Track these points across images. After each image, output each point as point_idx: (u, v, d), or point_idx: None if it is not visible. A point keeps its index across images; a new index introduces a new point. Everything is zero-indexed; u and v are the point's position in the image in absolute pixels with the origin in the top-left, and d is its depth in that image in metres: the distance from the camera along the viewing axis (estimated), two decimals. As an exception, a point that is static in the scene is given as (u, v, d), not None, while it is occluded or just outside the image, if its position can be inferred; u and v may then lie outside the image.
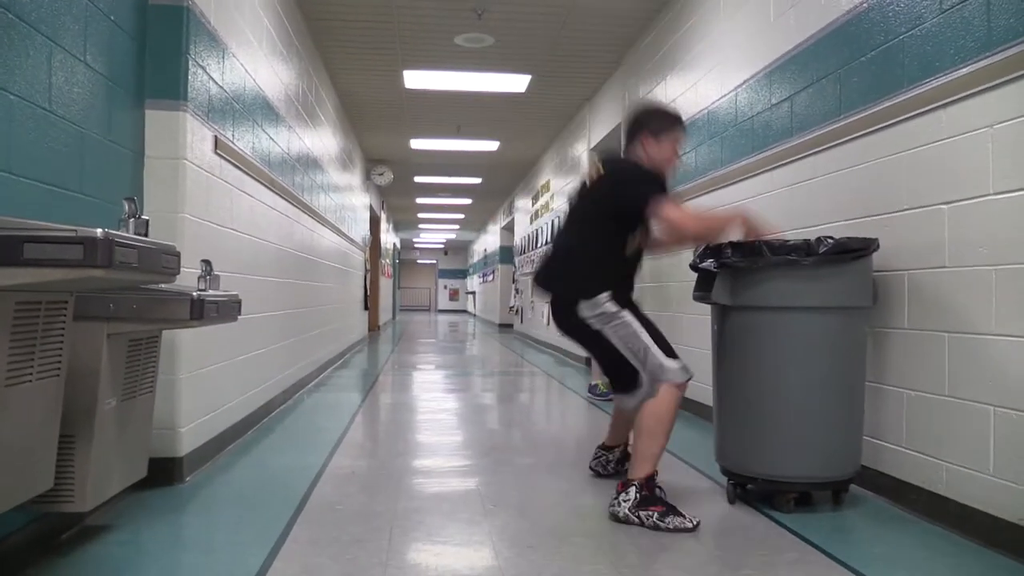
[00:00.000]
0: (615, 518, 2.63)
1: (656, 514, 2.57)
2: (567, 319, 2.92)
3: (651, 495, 2.63)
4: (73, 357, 2.04)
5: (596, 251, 2.89)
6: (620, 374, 2.90)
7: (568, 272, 2.95)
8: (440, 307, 36.53)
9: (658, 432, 2.71)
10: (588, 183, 3.02)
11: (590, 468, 3.31)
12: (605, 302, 2.79)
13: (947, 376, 2.61)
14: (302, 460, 3.54)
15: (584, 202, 3.02)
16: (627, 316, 2.80)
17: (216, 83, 3.49)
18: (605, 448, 3.30)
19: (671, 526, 2.54)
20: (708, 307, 2.97)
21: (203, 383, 3.36)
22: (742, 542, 2.47)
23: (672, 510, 2.59)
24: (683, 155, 5.08)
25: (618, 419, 3.27)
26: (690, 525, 2.54)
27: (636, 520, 2.58)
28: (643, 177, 2.88)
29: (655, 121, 3.03)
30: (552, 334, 10.30)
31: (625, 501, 2.62)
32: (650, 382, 2.76)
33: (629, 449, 3.21)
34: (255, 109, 4.28)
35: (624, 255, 2.92)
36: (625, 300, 2.86)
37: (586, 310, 2.81)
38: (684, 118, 4.85)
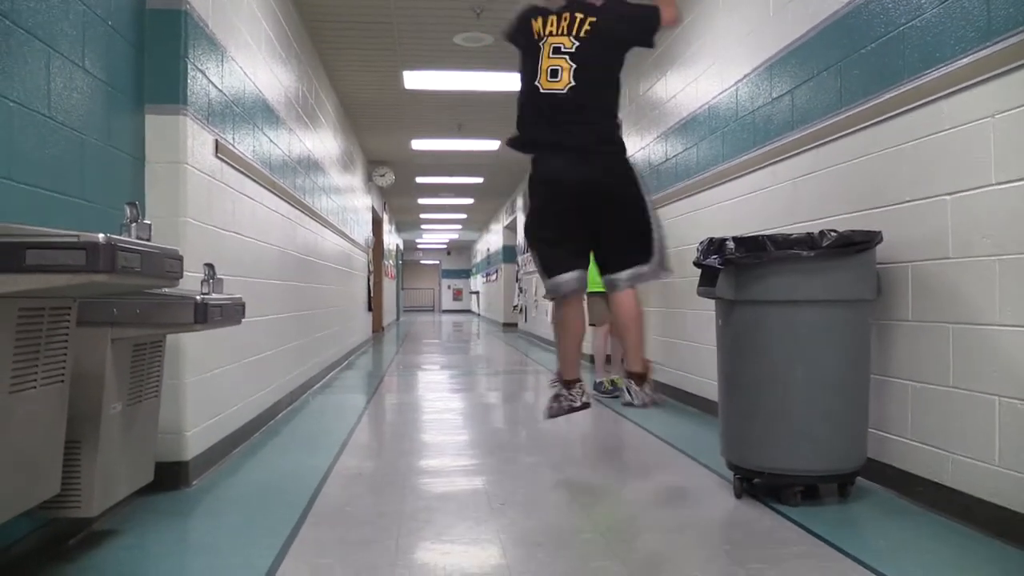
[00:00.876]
0: (643, 405, 3.15)
1: (659, 395, 3.23)
2: (616, 170, 3.06)
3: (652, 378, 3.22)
4: (77, 363, 2.04)
5: (618, 96, 3.14)
6: (639, 243, 3.09)
7: (610, 122, 3.10)
8: (444, 307, 36.55)
9: (644, 321, 3.15)
10: (581, 27, 3.04)
11: (571, 408, 3.28)
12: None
13: (952, 367, 2.61)
14: (308, 462, 3.54)
15: (597, 49, 3.04)
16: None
17: (216, 87, 3.49)
18: (577, 382, 3.29)
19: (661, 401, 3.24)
20: (712, 302, 2.97)
21: (208, 386, 3.37)
22: (749, 536, 2.46)
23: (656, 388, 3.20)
24: (685, 150, 5.08)
25: (576, 334, 3.31)
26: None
27: (652, 401, 3.17)
28: (642, 3, 3.13)
29: None
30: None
31: (647, 389, 3.15)
32: (660, 260, 3.04)
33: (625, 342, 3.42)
34: (255, 112, 4.29)
35: None
36: None
37: (636, 169, 3.08)
38: (685, 113, 4.86)
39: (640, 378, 3.16)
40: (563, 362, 3.28)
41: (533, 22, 3.13)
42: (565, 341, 3.32)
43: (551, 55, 3.05)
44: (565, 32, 3.05)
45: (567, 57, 3.02)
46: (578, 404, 3.20)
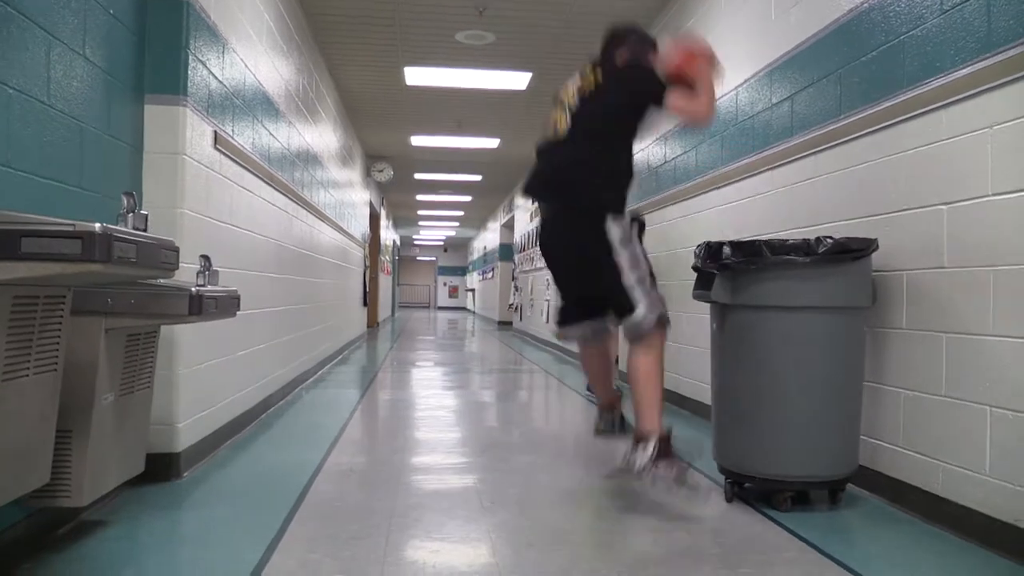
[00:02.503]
0: (632, 471, 2.69)
1: (676, 470, 2.65)
2: (587, 234, 2.88)
3: (669, 448, 2.69)
4: (70, 352, 2.04)
5: (617, 159, 2.96)
6: (616, 299, 2.88)
7: (595, 183, 2.92)
8: (439, 304, 36.53)
9: (657, 379, 2.81)
10: (589, 88, 3.02)
11: (597, 432, 3.34)
12: (627, 221, 2.89)
13: (945, 376, 2.61)
14: (300, 456, 3.54)
15: (593, 106, 3.00)
16: (638, 247, 2.89)
17: (216, 78, 3.48)
18: (608, 408, 3.31)
19: (682, 484, 2.68)
20: (708, 306, 2.97)
21: (201, 379, 3.36)
22: (739, 541, 2.47)
23: (685, 471, 2.68)
24: (683, 153, 5.07)
25: (599, 372, 3.30)
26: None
27: (653, 472, 2.65)
28: (653, 73, 2.98)
29: (634, 40, 3.13)
30: (550, 332, 10.31)
31: (644, 453, 2.67)
32: (648, 307, 2.79)
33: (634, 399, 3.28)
34: (255, 104, 4.28)
35: (632, 162, 3.02)
36: (634, 220, 2.97)
37: (615, 228, 2.84)
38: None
39: (641, 440, 2.73)
40: (594, 388, 3.42)
41: (568, 82, 3.16)
42: (588, 374, 3.52)
43: (559, 110, 3.09)
44: (576, 90, 3.07)
45: (567, 112, 3.05)
46: (595, 430, 3.29)
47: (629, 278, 2.81)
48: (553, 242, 3.08)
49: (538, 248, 3.28)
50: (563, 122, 3.04)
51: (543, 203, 3.17)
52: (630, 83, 2.98)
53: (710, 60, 3.03)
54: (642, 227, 3.11)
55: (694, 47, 3.08)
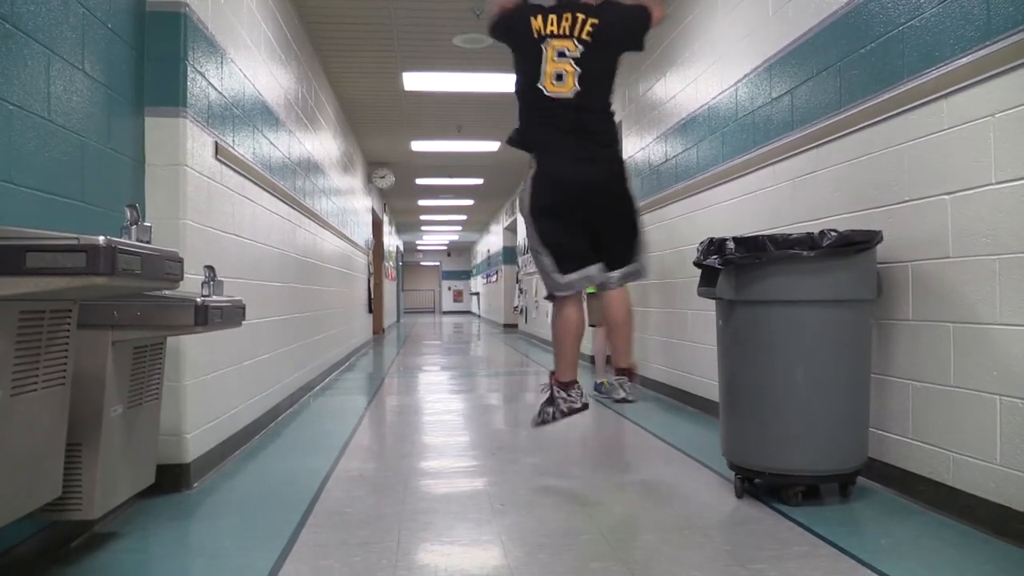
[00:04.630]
0: (636, 399, 3.31)
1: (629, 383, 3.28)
2: (613, 173, 3.16)
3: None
4: (78, 365, 2.04)
5: (613, 97, 3.22)
6: (634, 242, 3.21)
7: (611, 125, 3.19)
8: (445, 309, 36.54)
9: (633, 319, 3.29)
10: (582, 32, 3.04)
11: (575, 410, 3.17)
12: None
13: (952, 366, 2.61)
14: (309, 464, 3.54)
15: (599, 53, 3.06)
16: None
17: (215, 89, 3.49)
18: (575, 383, 3.22)
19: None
20: (713, 302, 2.97)
21: (209, 389, 3.37)
22: (751, 536, 2.46)
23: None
24: (685, 151, 5.08)
25: (577, 335, 3.28)
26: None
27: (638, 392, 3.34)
28: (634, 3, 3.16)
29: None
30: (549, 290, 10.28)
31: (636, 383, 3.32)
32: (646, 255, 3.23)
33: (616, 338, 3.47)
34: (255, 114, 4.29)
35: None
36: None
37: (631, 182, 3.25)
38: (685, 114, 4.86)
39: (631, 374, 3.29)
40: (563, 363, 3.19)
41: (532, 20, 3.09)
42: (566, 341, 3.23)
43: (556, 58, 3.05)
44: (567, 34, 3.04)
45: (572, 62, 3.02)
46: (578, 405, 3.14)
47: (642, 233, 3.20)
48: (580, 176, 3.04)
49: (547, 182, 3.12)
50: (571, 73, 3.02)
51: (566, 138, 3.07)
52: (630, 20, 3.13)
53: None
54: None
55: None
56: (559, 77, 3.04)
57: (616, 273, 3.18)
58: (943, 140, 2.64)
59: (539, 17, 3.10)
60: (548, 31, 3.07)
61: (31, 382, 1.77)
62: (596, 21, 3.03)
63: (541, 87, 3.10)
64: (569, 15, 3.05)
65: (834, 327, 2.72)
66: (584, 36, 3.03)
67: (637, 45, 3.20)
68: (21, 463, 1.80)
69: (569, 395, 3.17)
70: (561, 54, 3.03)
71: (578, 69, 3.01)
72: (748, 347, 2.80)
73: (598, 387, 5.87)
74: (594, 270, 3.15)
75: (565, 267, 3.10)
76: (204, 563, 2.34)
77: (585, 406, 3.18)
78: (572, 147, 3.08)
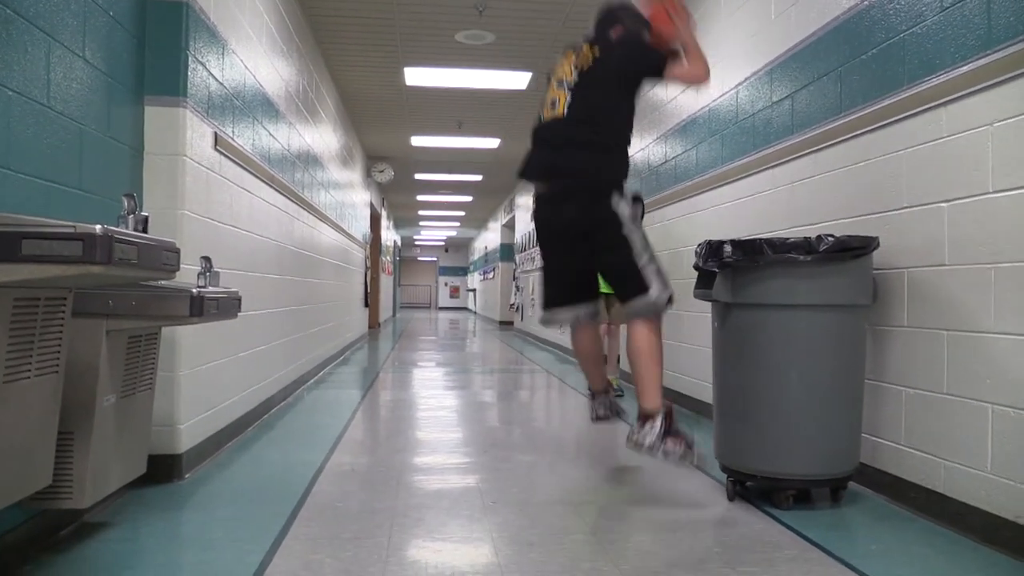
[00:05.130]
0: (638, 447, 2.72)
1: (681, 448, 2.71)
2: (595, 211, 2.89)
3: (674, 424, 2.74)
4: (72, 353, 2.04)
5: (618, 135, 2.95)
6: (627, 279, 2.90)
7: (599, 160, 2.91)
8: (441, 304, 36.54)
9: (658, 356, 2.85)
10: (586, 64, 3.01)
11: (597, 418, 3.31)
12: (631, 200, 2.89)
13: (946, 374, 2.61)
14: (302, 457, 3.54)
15: (592, 83, 2.99)
16: (641, 227, 2.93)
17: (216, 79, 3.48)
18: (604, 393, 3.31)
19: (687, 462, 2.73)
20: (709, 305, 2.97)
21: (203, 380, 3.36)
22: (741, 539, 2.47)
23: (691, 446, 2.73)
24: (684, 152, 5.08)
25: (592, 355, 3.29)
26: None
27: (662, 450, 2.69)
28: (650, 45, 3.03)
29: (629, 19, 3.11)
30: (553, 331, 10.30)
31: (652, 430, 2.72)
32: (661, 289, 2.83)
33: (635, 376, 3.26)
34: (255, 105, 4.28)
35: (631, 137, 3.03)
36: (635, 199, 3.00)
37: (622, 205, 2.84)
38: (685, 116, 4.85)
39: (647, 418, 2.80)
40: (586, 376, 3.38)
41: (561, 59, 3.16)
42: (579, 360, 3.45)
43: (555, 87, 3.08)
44: (572, 66, 3.06)
45: (566, 88, 3.03)
46: (592, 416, 3.19)
47: (641, 257, 2.85)
48: (556, 218, 3.01)
49: (533, 227, 3.23)
50: (563, 100, 3.02)
51: (545, 181, 3.10)
52: (631, 55, 3.01)
53: (680, 14, 3.06)
54: (643, 208, 3.12)
55: (667, 4, 3.10)
56: (553, 104, 3.07)
57: (625, 308, 2.99)
58: (942, 148, 2.64)
59: (563, 55, 3.16)
60: (561, 66, 3.12)
61: (24, 369, 1.77)
62: (599, 53, 3.01)
63: (540, 115, 3.14)
64: (587, 47, 3.05)
65: (829, 332, 2.73)
66: (583, 66, 3.02)
67: (631, 82, 3.02)
68: (12, 450, 1.80)
69: (593, 403, 3.39)
70: (560, 83, 3.06)
71: (569, 95, 3.02)
72: (743, 350, 2.80)
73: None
74: (566, 312, 3.13)
75: (545, 303, 3.22)
76: (195, 554, 2.34)
77: (597, 418, 3.34)
78: (551, 177, 3.06)
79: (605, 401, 3.31)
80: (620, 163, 2.97)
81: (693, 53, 3.02)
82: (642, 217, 3.05)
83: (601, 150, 2.94)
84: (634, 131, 3.12)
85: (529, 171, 3.13)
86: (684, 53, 3.02)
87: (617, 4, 3.23)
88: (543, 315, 3.24)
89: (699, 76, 3.01)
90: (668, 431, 2.70)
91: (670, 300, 2.89)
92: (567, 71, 3.05)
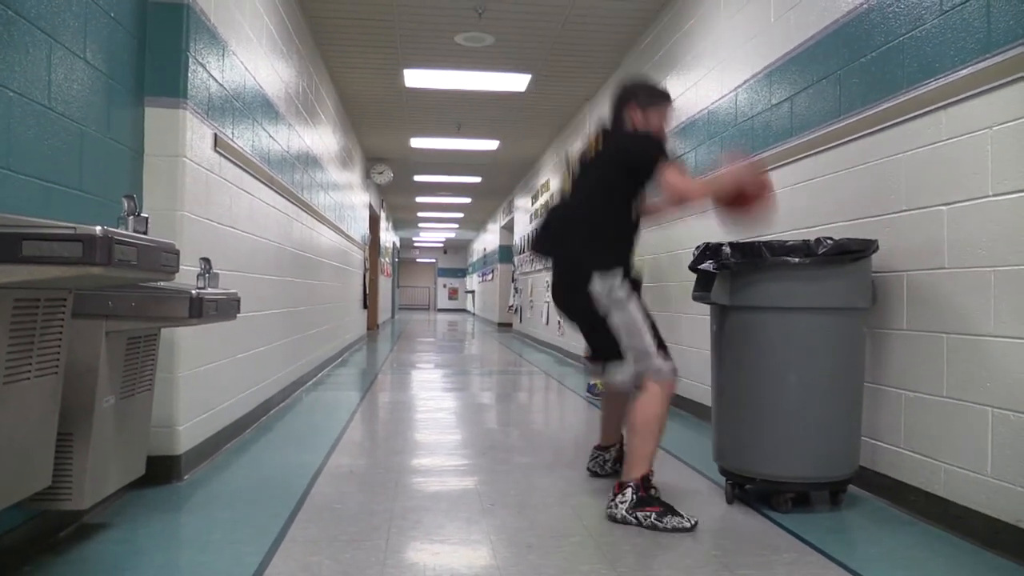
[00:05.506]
0: (612, 519, 2.64)
1: (653, 514, 2.58)
2: (573, 292, 2.88)
3: (647, 496, 2.64)
4: (71, 355, 2.04)
5: (608, 219, 2.89)
6: (607, 349, 2.84)
7: (582, 240, 2.89)
8: (439, 306, 36.52)
9: (650, 432, 2.72)
10: (591, 153, 3.01)
11: (588, 469, 3.32)
12: (618, 283, 2.78)
13: (945, 377, 2.61)
14: (300, 459, 3.54)
15: (591, 170, 2.99)
16: (633, 307, 2.78)
17: (216, 81, 3.48)
18: (601, 448, 3.31)
19: (669, 526, 2.55)
20: (707, 307, 2.97)
21: (202, 381, 3.36)
22: (740, 542, 2.47)
23: (669, 510, 2.60)
24: (683, 155, 5.08)
25: (609, 417, 3.28)
26: (688, 525, 2.55)
27: (634, 521, 2.59)
28: (648, 139, 2.91)
29: (643, 94, 3.05)
30: (551, 333, 10.31)
31: (622, 502, 2.64)
32: (636, 374, 2.76)
33: (625, 447, 3.22)
34: (255, 107, 4.28)
35: (631, 224, 2.94)
36: (633, 282, 2.86)
37: (599, 285, 2.77)
38: (684, 118, 4.85)
39: (620, 487, 2.68)
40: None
41: (581, 147, 3.17)
42: (601, 411, 3.43)
43: (567, 176, 3.12)
44: (580, 156, 3.09)
45: (572, 177, 3.07)
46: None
47: (624, 341, 2.77)
48: (556, 295, 3.05)
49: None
50: (568, 185, 3.07)
51: (545, 259, 3.18)
52: (624, 154, 2.90)
53: (762, 189, 2.88)
54: (637, 285, 2.99)
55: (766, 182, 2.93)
56: (562, 190, 3.11)
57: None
58: (941, 151, 2.64)
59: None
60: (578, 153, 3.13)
61: (24, 371, 1.77)
62: (602, 145, 2.99)
63: (556, 199, 3.17)
64: (595, 137, 3.04)
65: (828, 335, 2.73)
66: (588, 156, 3.03)
67: (623, 170, 2.88)
68: (12, 451, 1.80)
69: (591, 456, 3.36)
70: (571, 171, 3.10)
71: (571, 184, 3.04)
72: (742, 353, 2.80)
73: (590, 388, 5.88)
74: (596, 366, 3.08)
75: (587, 352, 3.17)
76: (193, 556, 2.33)
77: (588, 468, 3.33)
78: (550, 256, 3.10)
79: (600, 459, 3.30)
80: (602, 242, 2.86)
81: (715, 188, 2.87)
82: (638, 292, 2.90)
83: (583, 230, 2.89)
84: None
85: (533, 245, 3.20)
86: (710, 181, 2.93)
87: (631, 83, 3.16)
88: (587, 366, 3.25)
89: (688, 196, 2.81)
90: (639, 502, 2.61)
91: (662, 372, 2.74)
92: (575, 159, 3.10)
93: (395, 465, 3.49)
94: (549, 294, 3.22)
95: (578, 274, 2.84)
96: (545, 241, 3.12)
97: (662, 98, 3.07)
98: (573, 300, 2.92)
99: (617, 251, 2.87)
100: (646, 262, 3.27)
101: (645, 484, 2.66)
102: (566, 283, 2.96)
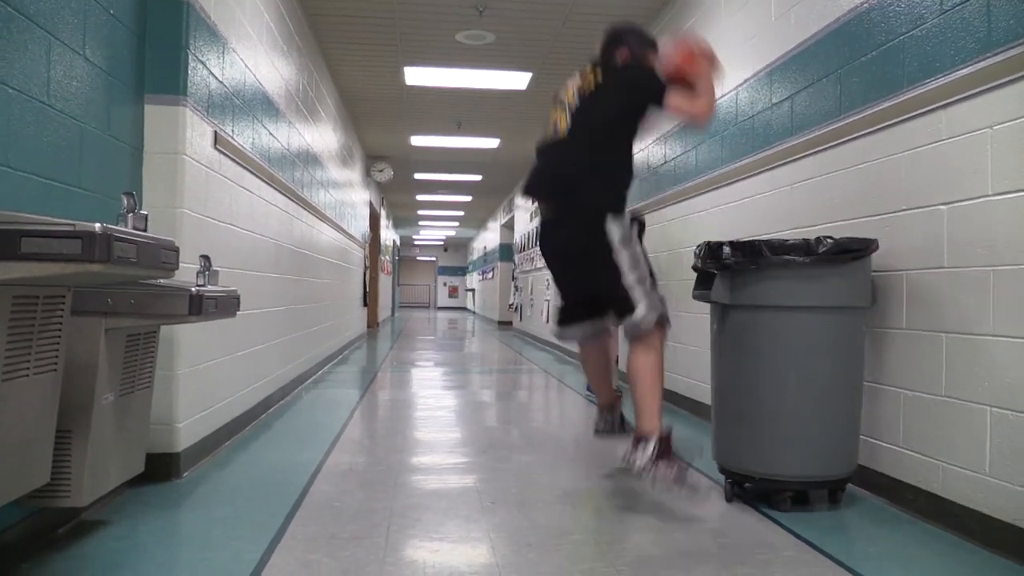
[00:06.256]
0: (635, 470, 2.65)
1: (673, 472, 2.62)
2: (585, 232, 2.87)
3: (669, 448, 2.68)
4: (70, 352, 2.04)
5: (616, 160, 2.93)
6: (616, 300, 2.85)
7: (595, 182, 2.87)
8: (440, 304, 36.53)
9: (657, 380, 2.78)
10: (591, 87, 3.00)
11: (596, 431, 3.31)
12: (628, 221, 2.84)
13: (944, 376, 2.61)
14: (300, 456, 3.54)
15: (593, 104, 2.97)
16: (638, 248, 2.86)
17: (216, 78, 3.48)
18: (608, 408, 3.29)
19: (682, 487, 2.63)
20: (707, 306, 2.97)
21: (201, 379, 3.36)
22: (739, 541, 2.47)
23: (684, 471, 2.65)
24: (684, 153, 5.08)
25: (597, 372, 3.28)
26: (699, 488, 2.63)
27: (657, 471, 2.62)
28: (651, 74, 2.98)
29: (634, 40, 3.09)
30: (551, 332, 10.30)
31: (645, 452, 2.65)
32: (647, 308, 2.77)
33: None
34: (255, 104, 4.28)
35: (632, 162, 2.98)
36: (639, 224, 2.93)
37: (614, 226, 2.80)
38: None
39: (641, 440, 2.70)
40: (593, 388, 3.36)
41: (568, 81, 3.14)
42: (586, 375, 3.49)
43: (559, 109, 3.08)
44: (576, 89, 3.05)
45: (567, 112, 3.03)
46: (594, 429, 3.10)
47: (628, 278, 2.80)
48: (553, 242, 3.07)
49: (538, 248, 3.27)
50: (563, 121, 3.03)
51: (543, 203, 3.15)
52: (630, 82, 2.97)
53: (710, 59, 3.03)
54: (642, 227, 3.04)
55: (695, 46, 3.07)
56: (555, 126, 3.07)
57: (621, 326, 2.94)
58: (941, 150, 2.64)
59: (572, 79, 3.13)
60: (568, 88, 3.10)
61: (23, 367, 1.77)
62: (600, 77, 2.99)
63: (543, 137, 3.15)
64: (590, 70, 3.03)
65: (828, 334, 2.73)
66: (586, 90, 3.01)
67: (630, 107, 2.95)
68: (10, 448, 1.80)
69: (596, 417, 3.37)
70: (563, 106, 3.06)
71: (570, 119, 3.01)
72: (741, 351, 2.80)
73: (590, 387, 5.87)
74: (575, 329, 3.16)
75: (556, 319, 3.26)
76: (192, 553, 2.34)
77: (597, 432, 3.34)
78: (546, 200, 3.09)
79: (608, 417, 3.30)
80: (616, 187, 2.92)
81: (706, 93, 2.95)
82: (641, 235, 2.98)
83: (597, 174, 2.90)
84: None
85: (529, 189, 3.15)
86: (696, 90, 2.94)
87: (623, 27, 3.20)
88: (555, 331, 3.30)
89: (701, 112, 2.90)
90: (660, 455, 2.63)
91: (661, 321, 2.80)
92: (571, 94, 3.05)
93: (395, 463, 3.50)
94: (538, 244, 3.21)
95: (591, 218, 2.85)
96: (546, 184, 3.07)
97: (652, 46, 3.12)
98: (581, 243, 2.90)
99: (626, 194, 2.94)
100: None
101: (668, 439, 2.70)
102: (575, 226, 2.92)
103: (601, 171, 2.90)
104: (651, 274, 2.90)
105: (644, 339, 2.80)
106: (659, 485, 2.62)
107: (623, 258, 2.81)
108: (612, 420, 3.29)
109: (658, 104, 2.89)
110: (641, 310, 2.79)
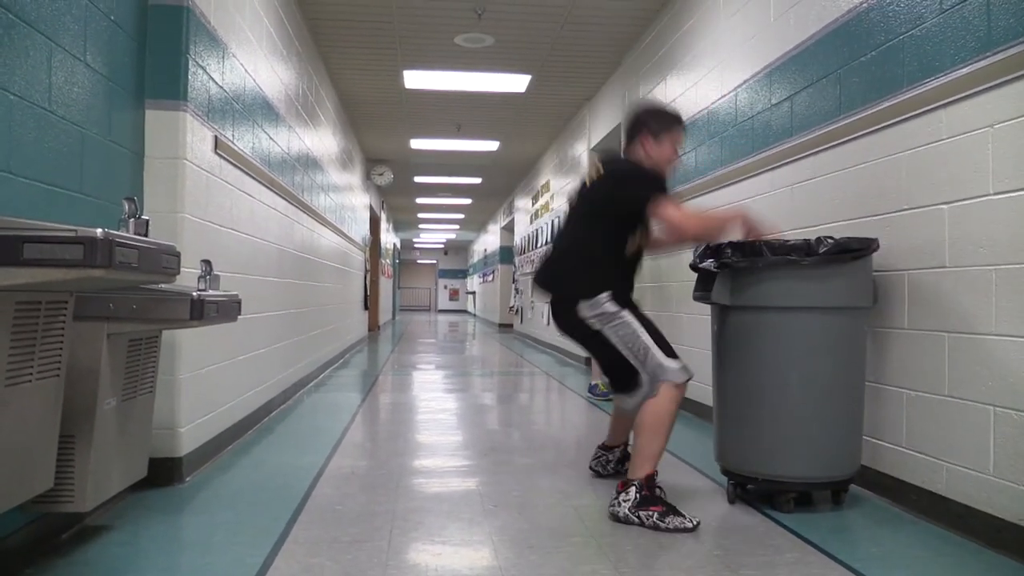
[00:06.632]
0: (615, 518, 2.64)
1: (656, 514, 2.58)
2: (567, 319, 2.92)
3: (651, 495, 2.64)
4: (73, 357, 2.04)
5: (595, 251, 2.89)
6: (620, 374, 2.89)
7: (568, 271, 2.94)
8: (440, 307, 36.52)
9: (658, 432, 2.72)
10: (588, 183, 3.01)
11: (590, 468, 3.32)
12: (605, 302, 2.79)
13: (947, 376, 2.61)
14: (302, 460, 3.54)
15: (584, 202, 3.01)
16: (627, 316, 2.80)
17: (216, 83, 3.49)
18: (605, 448, 3.31)
19: (671, 526, 2.55)
20: (708, 307, 2.97)
21: (203, 383, 3.36)
22: (742, 542, 2.47)
23: (672, 510, 2.60)
24: (683, 155, 5.09)
25: (618, 419, 3.27)
26: (690, 525, 2.54)
27: (636, 520, 2.59)
28: (643, 176, 2.90)
29: (654, 121, 3.03)
30: (552, 334, 10.29)
31: (625, 501, 2.64)
32: (650, 382, 2.77)
33: (629, 449, 3.22)
34: (255, 109, 4.28)
35: (624, 255, 2.92)
36: (625, 300, 2.85)
37: (586, 310, 2.81)
38: (684, 118, 4.83)
39: (625, 485, 2.69)
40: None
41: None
42: (613, 411, 3.38)
43: (570, 202, 3.14)
44: (580, 184, 3.09)
45: (570, 207, 3.09)
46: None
47: (629, 358, 2.80)
48: (555, 323, 3.06)
49: None
50: (567, 215, 3.10)
51: (539, 293, 3.19)
52: (616, 187, 2.90)
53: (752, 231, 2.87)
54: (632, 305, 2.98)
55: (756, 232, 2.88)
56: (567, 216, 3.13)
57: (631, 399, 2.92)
58: (942, 150, 2.64)
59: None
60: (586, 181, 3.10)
61: (26, 373, 1.77)
62: (597, 177, 2.98)
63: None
64: (599, 166, 3.02)
65: (829, 334, 2.73)
66: (587, 186, 3.02)
67: (610, 210, 2.88)
68: (14, 454, 1.80)
69: (594, 455, 3.36)
70: (570, 202, 3.12)
71: (569, 210, 3.07)
72: (743, 352, 2.80)
73: (592, 388, 5.88)
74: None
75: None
76: (195, 558, 2.33)
77: (591, 468, 3.33)
78: (539, 288, 3.12)
79: (604, 459, 3.29)
80: (590, 267, 2.88)
81: (708, 223, 2.90)
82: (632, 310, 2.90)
83: (572, 257, 2.94)
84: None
85: (534, 277, 3.21)
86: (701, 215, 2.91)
87: (643, 109, 3.13)
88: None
89: (686, 232, 2.80)
90: (642, 501, 2.61)
91: (673, 372, 2.74)
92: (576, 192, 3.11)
93: (396, 466, 3.49)
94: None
95: (566, 304, 2.90)
96: (538, 274, 3.13)
97: (673, 122, 3.05)
98: (571, 329, 2.95)
99: (604, 279, 2.84)
100: (646, 263, 3.24)
101: (649, 484, 2.66)
102: (557, 312, 2.98)
103: (578, 259, 2.91)
104: (654, 336, 2.79)
105: (658, 391, 2.75)
106: (646, 526, 2.57)
107: (612, 338, 2.81)
108: (606, 462, 3.28)
109: (643, 211, 2.79)
110: (645, 388, 2.78)
